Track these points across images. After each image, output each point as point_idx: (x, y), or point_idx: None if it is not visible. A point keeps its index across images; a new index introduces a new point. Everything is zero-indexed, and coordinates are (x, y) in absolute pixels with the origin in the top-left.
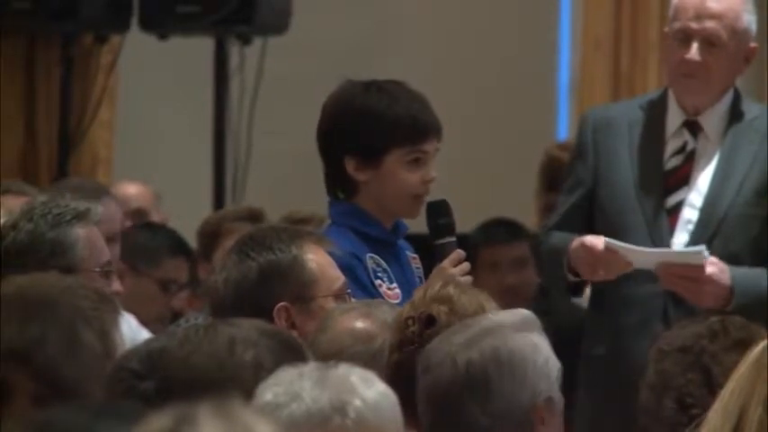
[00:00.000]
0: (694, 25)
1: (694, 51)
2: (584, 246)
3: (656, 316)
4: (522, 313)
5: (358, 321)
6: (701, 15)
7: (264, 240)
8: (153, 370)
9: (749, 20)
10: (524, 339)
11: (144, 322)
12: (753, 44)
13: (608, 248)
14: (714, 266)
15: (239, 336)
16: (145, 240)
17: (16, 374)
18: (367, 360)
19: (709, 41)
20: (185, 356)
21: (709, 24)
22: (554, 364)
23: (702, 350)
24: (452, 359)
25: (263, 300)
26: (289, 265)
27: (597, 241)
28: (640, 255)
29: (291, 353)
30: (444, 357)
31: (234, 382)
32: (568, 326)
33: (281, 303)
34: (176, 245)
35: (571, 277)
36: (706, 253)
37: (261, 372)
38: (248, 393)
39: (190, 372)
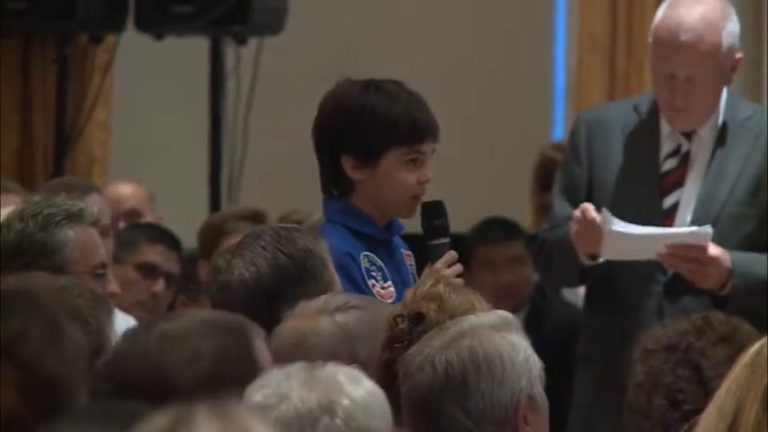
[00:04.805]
0: (673, 66)
1: (677, 90)
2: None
3: (652, 315)
4: (500, 314)
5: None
6: (679, 53)
7: (297, 240)
8: (108, 372)
9: (729, 34)
10: (502, 339)
11: (124, 308)
12: (738, 55)
13: (590, 221)
14: (717, 249)
15: (171, 330)
16: (125, 233)
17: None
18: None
19: (690, 76)
20: (120, 358)
21: (689, 61)
22: (535, 363)
23: (690, 346)
24: (431, 362)
25: (298, 298)
26: (320, 265)
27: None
28: (645, 239)
29: (234, 337)
30: (423, 361)
31: (168, 377)
32: (564, 326)
33: None
34: (157, 233)
35: (585, 261)
36: (710, 229)
37: (198, 362)
38: (188, 387)
39: (126, 373)
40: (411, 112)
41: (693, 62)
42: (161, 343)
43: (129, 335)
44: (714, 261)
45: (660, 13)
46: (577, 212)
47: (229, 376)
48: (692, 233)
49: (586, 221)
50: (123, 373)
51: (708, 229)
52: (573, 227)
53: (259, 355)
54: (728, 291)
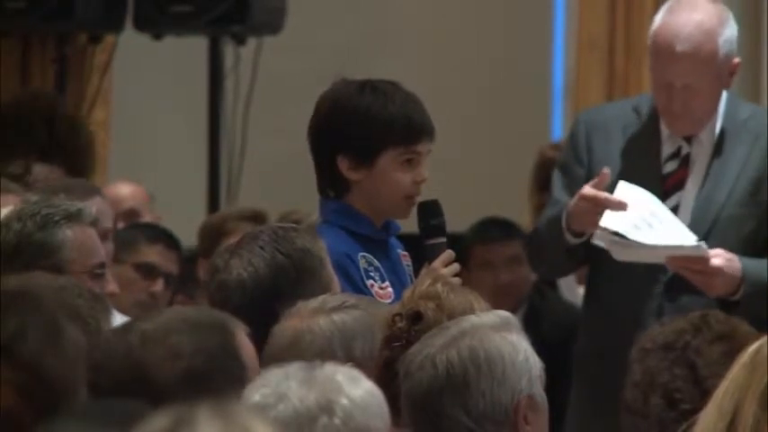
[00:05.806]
0: (671, 75)
1: (675, 97)
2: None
3: (651, 315)
4: (501, 314)
5: None
6: (676, 62)
7: (295, 240)
8: (91, 374)
9: (727, 42)
10: (502, 339)
11: (123, 308)
12: (736, 60)
13: (588, 198)
14: (721, 258)
15: (151, 329)
16: (124, 233)
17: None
18: None
19: (688, 84)
20: (103, 359)
21: (685, 70)
22: (535, 363)
23: (686, 345)
24: (432, 361)
25: (296, 298)
26: (318, 265)
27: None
28: (642, 250)
29: (214, 333)
30: (424, 360)
31: (150, 376)
32: (562, 325)
33: None
34: (156, 233)
35: (569, 237)
36: (705, 245)
37: (179, 360)
38: (170, 384)
39: (110, 373)
40: (407, 112)
41: (690, 71)
42: (142, 342)
43: (111, 336)
44: (719, 272)
45: (658, 19)
46: (589, 190)
47: (211, 372)
48: (688, 249)
49: (592, 198)
50: (107, 374)
51: (699, 243)
52: (581, 199)
53: (241, 351)
54: (740, 297)
